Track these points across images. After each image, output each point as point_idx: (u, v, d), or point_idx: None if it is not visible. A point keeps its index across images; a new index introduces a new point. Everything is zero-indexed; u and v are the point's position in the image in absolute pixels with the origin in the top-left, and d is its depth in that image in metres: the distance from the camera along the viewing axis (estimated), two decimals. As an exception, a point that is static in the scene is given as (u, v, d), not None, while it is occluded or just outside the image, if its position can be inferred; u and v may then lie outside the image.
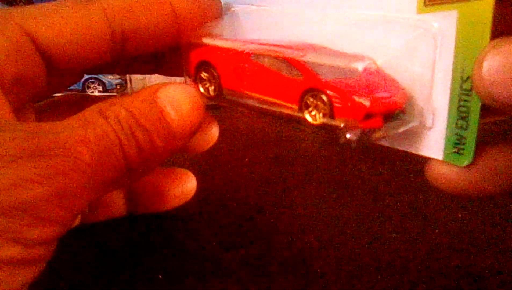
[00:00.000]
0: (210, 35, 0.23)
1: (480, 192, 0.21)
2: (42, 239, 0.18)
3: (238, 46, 0.22)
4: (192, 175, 0.30)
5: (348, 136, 0.18)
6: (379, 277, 0.25)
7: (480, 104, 0.19)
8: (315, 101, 0.19)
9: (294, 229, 0.30)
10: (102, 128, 0.19)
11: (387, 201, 0.33)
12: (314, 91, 0.19)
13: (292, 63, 0.20)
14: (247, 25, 0.25)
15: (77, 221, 0.27)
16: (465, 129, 0.19)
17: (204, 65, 0.23)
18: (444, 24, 0.19)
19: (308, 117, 0.19)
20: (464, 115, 0.19)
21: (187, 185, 0.29)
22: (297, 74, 0.20)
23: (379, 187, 0.35)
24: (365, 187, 0.35)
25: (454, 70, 0.19)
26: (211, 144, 0.28)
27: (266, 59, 0.21)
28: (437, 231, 0.30)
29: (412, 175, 0.36)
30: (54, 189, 0.17)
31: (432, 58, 0.19)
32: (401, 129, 0.20)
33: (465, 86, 0.19)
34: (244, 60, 0.21)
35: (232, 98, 0.22)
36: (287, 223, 0.30)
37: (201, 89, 0.23)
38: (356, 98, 0.18)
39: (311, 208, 0.32)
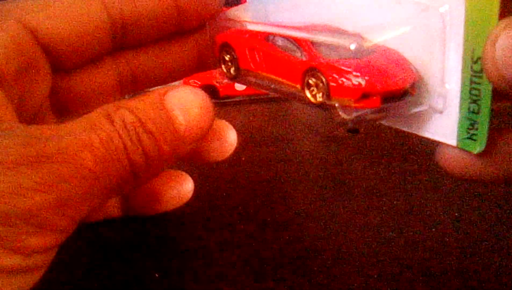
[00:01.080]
0: (233, 18, 0.24)
1: (494, 178, 0.19)
2: (41, 247, 0.17)
3: (252, 28, 0.22)
4: (189, 177, 0.28)
5: (341, 114, 0.18)
6: (375, 276, 0.25)
7: (491, 87, 0.18)
8: (316, 81, 0.19)
9: (290, 228, 0.29)
10: (108, 133, 0.18)
11: (383, 200, 0.32)
12: (313, 71, 0.19)
13: (298, 43, 0.20)
14: (273, 7, 0.26)
15: None
16: (477, 114, 0.18)
17: (225, 47, 0.24)
18: (454, 2, 0.18)
19: (308, 96, 0.20)
20: (476, 98, 0.18)
21: (183, 187, 0.28)
22: (302, 54, 0.20)
23: (376, 186, 0.34)
24: (362, 186, 0.34)
25: (464, 51, 0.18)
26: (230, 152, 0.27)
27: (279, 40, 0.21)
28: (433, 230, 0.29)
29: (408, 174, 0.34)
30: (55, 197, 0.17)
31: (442, 38, 0.19)
32: (405, 111, 0.19)
33: (475, 68, 0.18)
34: (258, 42, 0.22)
35: (248, 78, 0.23)
36: (283, 222, 0.30)
37: (224, 70, 0.24)
38: (352, 78, 0.18)
39: (307, 207, 0.32)
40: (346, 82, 0.18)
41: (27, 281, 0.17)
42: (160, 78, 0.26)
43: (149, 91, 0.20)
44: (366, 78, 0.18)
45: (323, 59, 0.19)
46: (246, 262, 0.26)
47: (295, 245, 0.28)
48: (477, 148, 0.19)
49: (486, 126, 0.18)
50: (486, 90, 0.18)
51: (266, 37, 0.22)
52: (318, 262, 0.26)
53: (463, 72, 0.18)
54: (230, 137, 0.27)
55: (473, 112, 0.18)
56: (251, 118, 0.43)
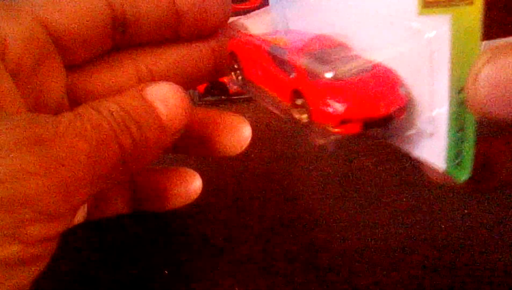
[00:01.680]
0: (242, 27, 0.25)
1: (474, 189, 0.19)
2: (43, 235, 0.17)
3: (255, 41, 0.23)
4: (197, 175, 0.29)
5: (317, 139, 0.18)
6: (383, 272, 0.25)
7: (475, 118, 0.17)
8: (302, 102, 0.20)
9: (298, 224, 0.30)
10: (97, 120, 0.18)
11: (391, 197, 0.32)
12: (298, 92, 0.19)
13: (289, 61, 0.20)
14: (292, 14, 0.26)
15: (82, 218, 0.27)
16: (463, 142, 0.18)
17: (233, 55, 0.25)
18: (441, 29, 0.17)
19: (296, 116, 0.20)
20: (461, 127, 0.18)
21: (191, 185, 0.28)
22: (293, 73, 0.20)
23: (385, 183, 0.34)
24: (371, 183, 0.34)
25: (450, 79, 0.18)
26: (244, 147, 0.26)
27: (278, 55, 0.22)
28: (442, 226, 0.29)
29: (417, 171, 0.33)
30: (56, 181, 0.17)
31: (430, 63, 0.18)
32: (391, 135, 0.19)
33: (460, 97, 0.17)
34: (260, 55, 0.22)
35: (252, 89, 0.24)
36: (291, 218, 0.30)
37: (234, 77, 0.25)
38: (332, 103, 0.18)
39: (315, 204, 0.32)
40: (326, 108, 0.18)
41: (28, 274, 0.17)
42: (179, 83, 0.27)
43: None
44: (346, 104, 0.18)
45: (309, 80, 0.19)
46: (255, 258, 0.27)
47: (304, 242, 0.28)
48: (462, 177, 0.18)
49: (471, 156, 0.18)
50: (470, 120, 0.17)
51: (269, 53, 0.22)
52: (326, 258, 0.27)
53: (450, 99, 0.18)
54: (244, 132, 0.27)
55: (458, 140, 0.18)
56: (259, 114, 0.43)
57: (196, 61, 0.26)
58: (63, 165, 0.17)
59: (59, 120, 0.18)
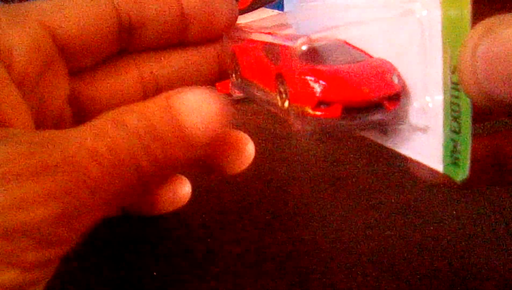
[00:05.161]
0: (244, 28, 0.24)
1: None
2: (43, 261, 0.16)
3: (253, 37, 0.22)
4: (186, 180, 0.28)
5: (295, 123, 0.17)
6: (373, 274, 0.25)
7: (470, 102, 0.15)
8: (284, 87, 0.18)
9: (288, 226, 0.29)
10: (114, 139, 0.17)
11: (382, 198, 0.31)
12: (280, 77, 0.18)
13: (280, 51, 0.19)
14: (304, 19, 0.25)
15: None
16: (458, 133, 0.16)
17: (232, 56, 0.24)
18: (431, 6, 0.16)
19: (279, 103, 0.19)
20: (456, 115, 0.16)
21: (180, 190, 0.27)
22: (279, 61, 0.19)
23: (374, 184, 0.33)
24: (360, 184, 0.33)
25: (443, 60, 0.16)
26: (247, 165, 0.25)
27: (269, 49, 0.21)
28: (432, 228, 0.28)
29: (407, 172, 0.32)
30: (59, 210, 0.16)
31: (422, 45, 0.16)
32: (377, 126, 0.17)
33: (454, 79, 0.15)
34: (255, 50, 0.22)
35: (245, 86, 0.23)
36: (282, 220, 0.30)
37: (234, 78, 0.24)
38: (311, 82, 0.17)
39: (306, 205, 0.31)
40: (302, 88, 0.17)
41: None
42: (183, 86, 0.26)
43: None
44: (324, 84, 0.16)
45: (292, 63, 0.18)
46: (243, 260, 0.26)
47: (294, 243, 0.27)
48: (460, 175, 0.16)
49: (468, 149, 0.15)
50: (465, 105, 0.15)
51: (263, 47, 0.21)
52: (317, 260, 0.26)
53: (444, 84, 0.16)
54: (248, 150, 0.26)
55: (454, 131, 0.16)
56: (249, 115, 0.42)
57: (201, 65, 0.26)
58: (68, 193, 0.16)
59: (69, 140, 0.17)
